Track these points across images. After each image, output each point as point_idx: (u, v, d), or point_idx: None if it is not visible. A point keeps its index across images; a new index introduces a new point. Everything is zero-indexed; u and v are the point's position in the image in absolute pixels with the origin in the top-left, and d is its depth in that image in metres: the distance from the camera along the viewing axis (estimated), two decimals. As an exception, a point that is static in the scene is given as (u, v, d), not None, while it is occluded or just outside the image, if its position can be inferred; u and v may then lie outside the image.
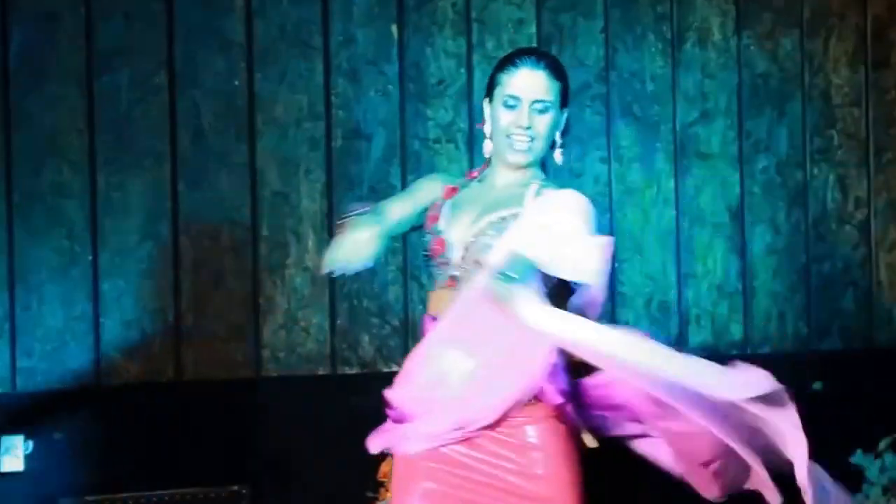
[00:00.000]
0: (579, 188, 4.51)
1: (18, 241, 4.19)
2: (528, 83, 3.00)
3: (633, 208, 4.67)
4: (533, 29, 4.58)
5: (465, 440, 2.96)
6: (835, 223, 4.84)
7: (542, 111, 3.01)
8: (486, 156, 3.11)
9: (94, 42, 4.25)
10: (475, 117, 4.50)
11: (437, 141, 4.49)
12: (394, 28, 4.48)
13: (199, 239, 4.31)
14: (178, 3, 4.30)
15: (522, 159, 3.03)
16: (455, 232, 3.02)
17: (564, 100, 3.06)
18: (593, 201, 4.62)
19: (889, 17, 4.86)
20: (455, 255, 3.00)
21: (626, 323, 4.66)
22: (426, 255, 3.04)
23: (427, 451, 2.98)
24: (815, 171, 4.84)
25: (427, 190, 3.13)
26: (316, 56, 4.42)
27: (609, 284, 4.62)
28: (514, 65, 3.03)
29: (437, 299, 3.03)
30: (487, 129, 3.09)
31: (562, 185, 3.05)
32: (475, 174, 3.14)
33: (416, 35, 4.49)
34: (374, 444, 3.07)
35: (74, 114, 4.23)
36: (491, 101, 3.07)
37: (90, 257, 4.24)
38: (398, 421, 3.01)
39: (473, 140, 4.47)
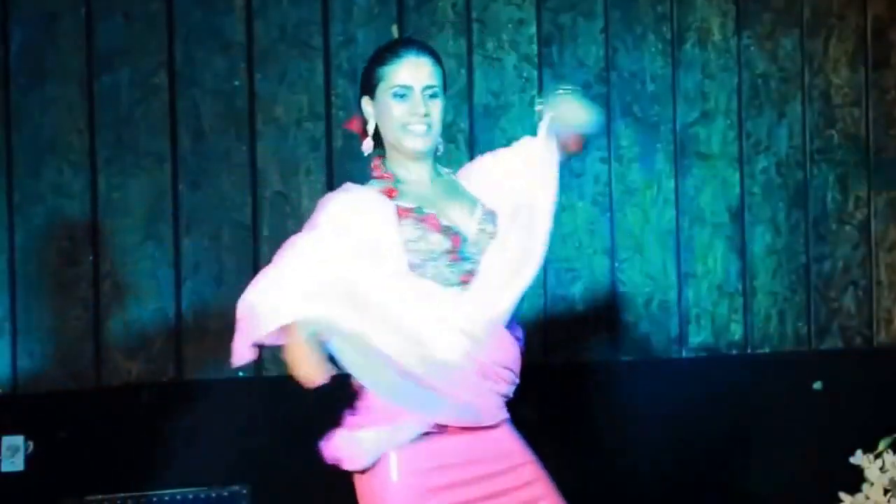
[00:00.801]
0: (579, 188, 4.54)
1: (19, 241, 4.20)
2: (415, 70, 2.96)
3: (633, 208, 4.67)
4: (533, 29, 4.58)
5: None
6: (835, 223, 4.84)
7: (433, 96, 2.98)
8: (367, 153, 3.04)
9: (95, 42, 4.25)
10: (476, 118, 4.51)
11: (437, 141, 4.49)
12: (394, 28, 4.48)
13: (199, 239, 4.32)
14: (178, 4, 4.31)
15: (422, 145, 2.97)
16: (462, 226, 2.96)
17: (445, 86, 3.04)
18: (594, 202, 4.66)
19: (889, 18, 4.86)
20: (468, 249, 2.95)
21: (626, 323, 4.67)
22: (440, 254, 2.93)
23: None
24: (815, 171, 4.84)
25: (349, 202, 2.97)
26: (316, 56, 4.42)
27: (610, 284, 4.66)
28: (397, 55, 2.98)
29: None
30: (371, 126, 3.02)
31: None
32: (385, 175, 3.01)
33: (416, 35, 4.49)
34: (358, 456, 3.05)
35: (75, 114, 4.24)
36: (373, 97, 3.00)
37: (91, 257, 4.25)
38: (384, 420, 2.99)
39: (474, 140, 4.47)
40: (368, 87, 3.01)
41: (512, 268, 2.95)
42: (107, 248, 4.25)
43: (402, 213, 2.92)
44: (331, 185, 4.40)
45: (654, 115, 4.68)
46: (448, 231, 2.93)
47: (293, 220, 4.38)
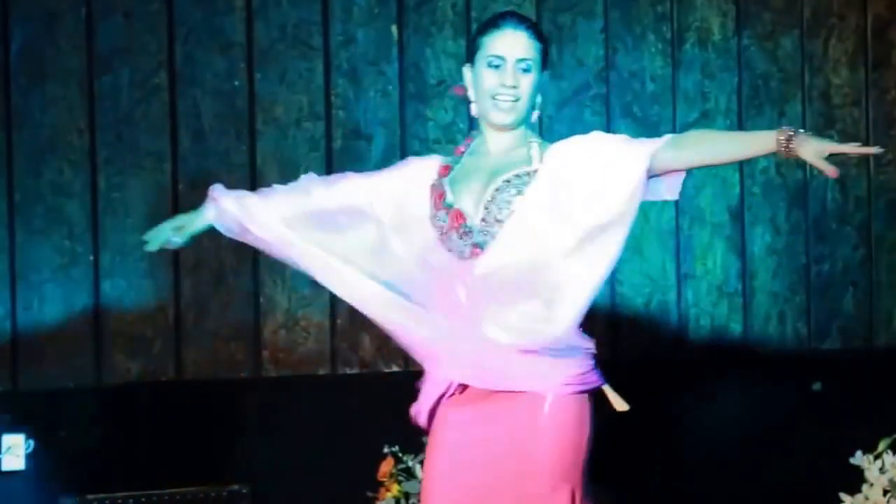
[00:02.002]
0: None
1: (19, 240, 4.20)
2: (512, 42, 2.98)
3: (632, 208, 4.66)
4: (533, 29, 4.57)
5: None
6: (835, 223, 4.83)
7: (525, 69, 2.99)
8: (475, 116, 3.10)
9: (95, 42, 4.25)
10: (475, 119, 4.50)
11: (437, 141, 4.49)
12: (394, 28, 4.48)
13: (199, 238, 4.30)
14: (178, 4, 4.31)
15: (507, 119, 3.00)
16: (468, 199, 2.99)
17: (544, 62, 3.04)
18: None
19: (889, 17, 4.86)
20: (476, 220, 2.97)
21: (626, 324, 4.67)
22: (443, 234, 2.99)
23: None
24: (815, 171, 4.81)
25: (416, 168, 3.12)
26: (316, 56, 4.42)
27: (608, 283, 4.66)
28: (496, 26, 3.01)
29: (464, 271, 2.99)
30: (471, 93, 3.06)
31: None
32: (462, 149, 3.12)
33: (416, 35, 4.49)
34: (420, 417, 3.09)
35: (75, 114, 4.24)
36: (473, 65, 3.05)
37: (91, 257, 4.25)
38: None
39: (473, 140, 4.47)
40: (470, 54, 3.07)
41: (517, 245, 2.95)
42: (107, 247, 4.26)
43: (432, 192, 3.04)
44: (330, 185, 4.41)
45: (653, 115, 4.68)
46: (447, 207, 2.99)
47: (292, 219, 4.39)
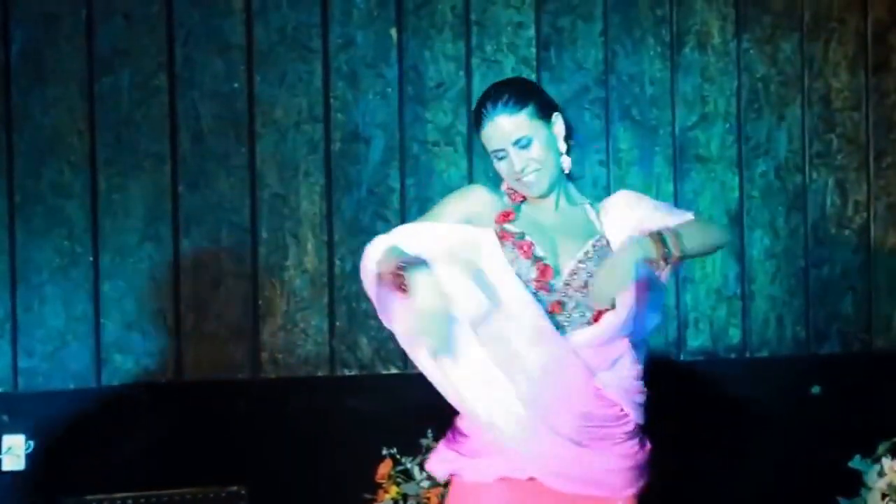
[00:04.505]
0: (579, 192, 4.53)
1: (19, 241, 4.21)
2: (500, 132, 2.97)
3: (631, 212, 4.66)
4: (532, 32, 4.58)
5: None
6: (834, 227, 4.83)
7: (526, 146, 2.98)
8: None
9: (95, 44, 4.27)
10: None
11: (436, 144, 4.49)
12: (393, 31, 4.48)
13: (198, 240, 4.32)
14: (178, 6, 4.31)
15: (539, 190, 3.02)
16: (562, 259, 2.98)
17: (545, 112, 3.02)
18: (592, 206, 4.64)
19: (889, 21, 4.85)
20: (560, 282, 2.96)
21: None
22: (526, 281, 2.95)
23: (497, 480, 2.96)
24: (815, 175, 4.83)
25: (473, 203, 3.05)
26: (315, 59, 4.42)
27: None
28: (480, 123, 3.00)
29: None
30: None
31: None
32: (518, 198, 3.08)
33: (415, 38, 4.49)
34: (439, 469, 3.05)
35: (75, 115, 4.25)
36: None
37: (91, 258, 4.26)
38: (469, 454, 2.98)
39: (472, 143, 4.47)
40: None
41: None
42: (106, 248, 4.27)
43: (504, 236, 2.98)
44: (329, 188, 4.41)
45: (653, 118, 4.67)
46: (538, 260, 2.97)
47: (291, 221, 4.39)
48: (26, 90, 4.21)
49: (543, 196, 3.04)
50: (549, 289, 2.96)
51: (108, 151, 4.28)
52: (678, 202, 4.69)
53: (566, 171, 3.06)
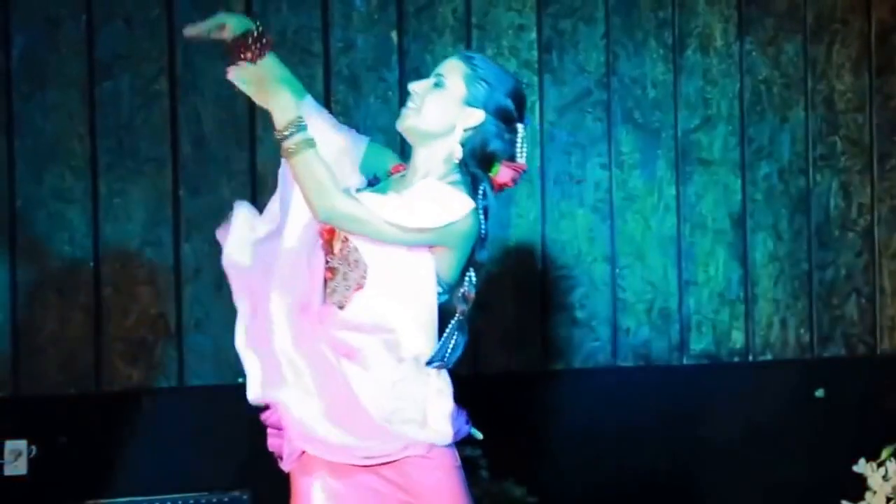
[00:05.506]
0: (580, 195, 4.50)
1: (21, 246, 4.21)
2: (440, 66, 2.90)
3: (634, 215, 4.66)
4: (533, 35, 4.57)
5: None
6: (837, 230, 4.82)
7: (436, 84, 2.87)
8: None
9: (96, 48, 4.26)
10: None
11: (436, 147, 4.49)
12: (394, 34, 4.48)
13: (200, 245, 4.32)
14: (178, 10, 4.31)
15: (400, 125, 2.88)
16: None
17: (479, 99, 2.84)
18: (594, 208, 4.64)
19: (893, 22, 4.84)
20: (336, 248, 2.92)
21: (628, 330, 4.66)
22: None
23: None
24: (818, 177, 4.82)
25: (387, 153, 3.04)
26: (316, 62, 4.42)
27: (610, 290, 4.64)
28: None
29: None
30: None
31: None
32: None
33: (416, 41, 4.49)
34: (272, 444, 3.02)
35: (76, 120, 4.25)
36: None
37: (91, 263, 4.26)
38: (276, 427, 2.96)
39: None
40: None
41: None
42: (107, 253, 4.26)
43: (369, 183, 2.95)
44: (331, 192, 4.40)
45: (655, 121, 4.67)
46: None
47: (293, 225, 4.39)
48: (27, 95, 4.21)
49: (412, 144, 2.89)
50: (329, 251, 2.86)
51: (108, 156, 4.28)
52: (681, 205, 4.69)
53: (455, 158, 2.85)
